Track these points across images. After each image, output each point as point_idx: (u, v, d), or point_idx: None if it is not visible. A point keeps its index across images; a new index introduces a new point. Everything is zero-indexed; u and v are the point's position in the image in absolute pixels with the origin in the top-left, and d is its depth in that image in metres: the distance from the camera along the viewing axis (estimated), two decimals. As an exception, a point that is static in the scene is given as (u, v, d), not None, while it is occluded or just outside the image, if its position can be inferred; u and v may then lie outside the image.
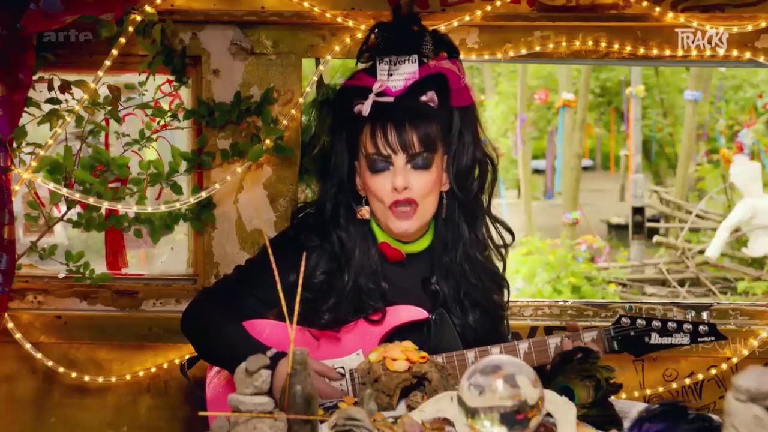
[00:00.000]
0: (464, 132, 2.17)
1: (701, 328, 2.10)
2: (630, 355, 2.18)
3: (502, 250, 2.27)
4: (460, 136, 2.16)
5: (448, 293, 2.18)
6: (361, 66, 2.24)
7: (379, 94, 2.13)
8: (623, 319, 2.13)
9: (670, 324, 2.10)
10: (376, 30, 2.22)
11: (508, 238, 2.28)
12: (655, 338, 2.10)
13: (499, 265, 2.30)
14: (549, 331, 2.99)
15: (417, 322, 2.14)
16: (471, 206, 2.20)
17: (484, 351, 2.09)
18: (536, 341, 2.11)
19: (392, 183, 2.10)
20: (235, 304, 2.18)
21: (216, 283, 2.36)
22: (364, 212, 2.17)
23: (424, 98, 2.14)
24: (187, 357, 2.44)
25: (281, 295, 1.59)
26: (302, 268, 1.62)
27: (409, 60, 2.14)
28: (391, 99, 2.13)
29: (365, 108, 2.12)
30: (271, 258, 1.65)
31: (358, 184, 2.20)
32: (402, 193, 2.10)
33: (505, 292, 2.30)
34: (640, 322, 2.11)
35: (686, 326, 2.10)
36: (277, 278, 1.60)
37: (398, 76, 2.14)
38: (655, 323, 2.11)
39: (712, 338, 2.11)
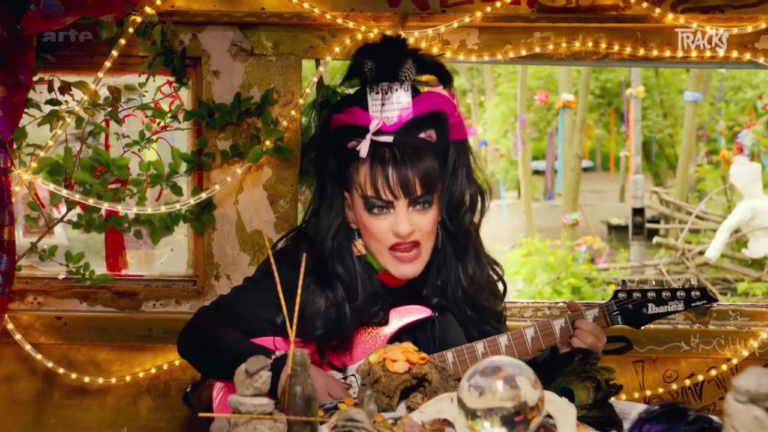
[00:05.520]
0: (458, 165, 2.09)
1: (694, 293, 2.13)
2: (629, 351, 2.22)
3: (497, 285, 2.24)
4: (455, 169, 2.09)
5: (448, 304, 2.16)
6: (348, 90, 2.14)
7: (376, 133, 2.01)
8: (620, 293, 2.15)
9: (664, 293, 2.13)
10: (361, 54, 2.07)
11: (499, 272, 2.24)
12: (652, 308, 2.13)
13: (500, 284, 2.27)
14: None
15: (420, 321, 2.13)
16: (461, 238, 2.14)
17: (492, 341, 2.09)
18: (542, 324, 2.12)
19: (394, 228, 2.02)
20: (232, 320, 2.15)
21: (213, 302, 2.29)
22: (361, 247, 2.11)
23: (422, 135, 2.04)
24: (189, 387, 2.40)
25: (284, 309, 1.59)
26: (302, 269, 1.62)
27: (402, 88, 2.02)
28: (389, 138, 2.00)
29: (363, 150, 2.00)
30: (275, 271, 1.61)
31: (349, 217, 2.11)
32: (406, 238, 2.03)
33: (502, 312, 2.27)
34: (636, 294, 2.14)
35: (680, 293, 2.13)
36: (280, 290, 1.57)
37: (391, 106, 2.02)
38: (651, 294, 2.14)
39: (705, 302, 2.14)
